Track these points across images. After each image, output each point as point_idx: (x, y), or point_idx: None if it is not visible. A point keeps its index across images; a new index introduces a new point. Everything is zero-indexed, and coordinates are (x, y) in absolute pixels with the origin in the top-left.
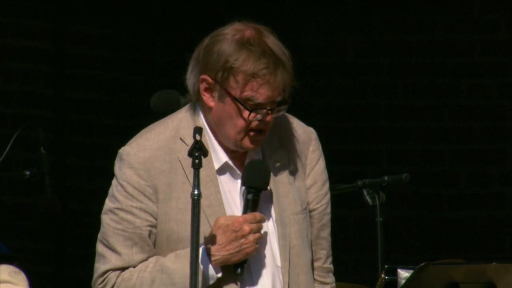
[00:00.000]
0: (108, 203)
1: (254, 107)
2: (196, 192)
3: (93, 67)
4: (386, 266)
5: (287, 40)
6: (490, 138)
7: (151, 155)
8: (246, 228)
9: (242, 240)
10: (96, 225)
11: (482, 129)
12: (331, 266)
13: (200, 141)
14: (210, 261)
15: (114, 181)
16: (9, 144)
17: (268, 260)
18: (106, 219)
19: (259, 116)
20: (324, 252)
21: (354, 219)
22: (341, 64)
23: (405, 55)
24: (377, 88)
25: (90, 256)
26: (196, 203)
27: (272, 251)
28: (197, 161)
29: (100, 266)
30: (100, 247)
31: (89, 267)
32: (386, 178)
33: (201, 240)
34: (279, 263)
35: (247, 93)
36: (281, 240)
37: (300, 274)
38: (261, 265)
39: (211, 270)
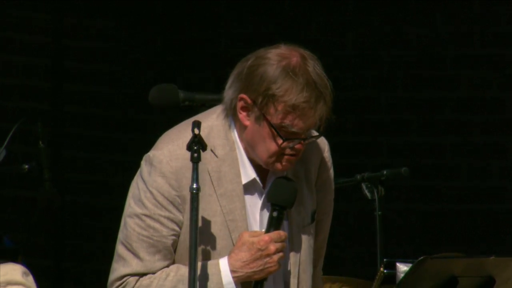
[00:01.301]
0: (134, 207)
1: (288, 136)
2: (194, 186)
3: (92, 60)
4: (384, 260)
5: (287, 37)
6: (491, 131)
7: (183, 165)
8: (272, 247)
9: (267, 259)
10: (94, 218)
11: (483, 122)
12: (321, 272)
13: (199, 134)
14: (232, 277)
15: (141, 185)
16: (8, 137)
17: (277, 276)
18: (131, 223)
19: (290, 144)
20: (321, 260)
21: (353, 213)
22: (340, 57)
23: (405, 48)
24: (377, 81)
25: (88, 249)
26: (194, 197)
27: (281, 267)
28: (195, 155)
29: (119, 268)
30: (121, 249)
31: (88, 261)
32: (385, 172)
33: (219, 249)
34: (287, 279)
35: (284, 122)
36: (292, 256)
37: None
38: (270, 281)
39: (232, 286)
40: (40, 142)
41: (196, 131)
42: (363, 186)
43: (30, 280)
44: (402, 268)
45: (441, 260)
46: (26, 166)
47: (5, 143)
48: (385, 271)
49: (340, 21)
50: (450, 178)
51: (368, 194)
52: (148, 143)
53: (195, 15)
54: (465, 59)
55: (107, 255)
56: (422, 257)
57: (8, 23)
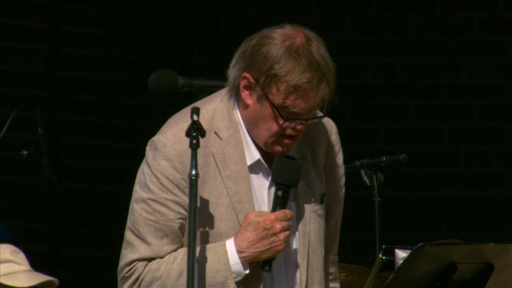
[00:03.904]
0: (140, 192)
1: (290, 116)
2: (193, 172)
3: (89, 46)
4: (383, 246)
5: (286, 19)
6: (489, 117)
7: (187, 148)
8: (278, 226)
9: (273, 238)
10: (92, 204)
11: (481, 107)
12: (337, 257)
13: (198, 121)
14: (239, 258)
15: (146, 170)
16: (7, 124)
17: (287, 258)
18: (137, 208)
19: (292, 125)
20: (335, 245)
21: (351, 199)
22: (340, 42)
23: (404, 33)
24: (376, 67)
25: (85, 236)
26: (193, 183)
27: (291, 248)
28: (194, 141)
29: (128, 254)
30: (129, 235)
31: (84, 247)
32: (384, 158)
33: (226, 231)
34: (297, 261)
35: (286, 102)
36: (301, 237)
37: (315, 271)
38: (280, 262)
39: (239, 266)
40: (39, 129)
41: (195, 117)
42: (362, 172)
43: (20, 257)
44: (401, 254)
45: (440, 247)
46: (25, 153)
47: (4, 130)
48: (384, 257)
49: (339, 7)
50: (448, 164)
51: (367, 181)
52: (147, 129)
53: (194, 1)
54: (464, 45)
55: (104, 242)
56: (420, 244)
57: (4, 10)
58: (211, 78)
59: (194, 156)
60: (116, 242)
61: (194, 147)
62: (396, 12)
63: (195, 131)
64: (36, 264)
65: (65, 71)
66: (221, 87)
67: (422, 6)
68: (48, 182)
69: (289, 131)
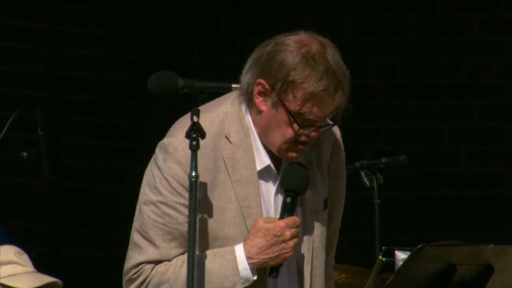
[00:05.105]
0: (150, 194)
1: (305, 123)
2: (193, 174)
3: (89, 46)
4: (383, 247)
5: (286, 23)
6: (489, 117)
7: (199, 152)
8: (288, 233)
9: (283, 245)
10: (92, 204)
11: (481, 107)
12: (334, 260)
13: (198, 122)
14: (248, 264)
15: (156, 172)
16: (6, 125)
17: (290, 263)
18: (146, 210)
19: (307, 131)
20: (333, 248)
21: (351, 200)
22: (340, 42)
23: (404, 33)
24: (376, 67)
25: (85, 236)
26: (193, 184)
27: (295, 254)
28: (194, 142)
29: (135, 256)
30: (137, 237)
31: (84, 246)
32: (383, 160)
33: (233, 236)
34: (300, 265)
35: (302, 109)
36: (306, 243)
37: (317, 275)
38: (284, 268)
39: (248, 272)
40: (39, 130)
41: (195, 118)
42: (362, 174)
43: (24, 258)
44: (401, 256)
45: (440, 248)
46: (25, 154)
47: (4, 131)
48: (383, 259)
49: (339, 7)
50: (448, 164)
51: (367, 182)
52: (147, 129)
53: (194, 1)
54: (464, 45)
55: (104, 242)
56: (420, 245)
57: (4, 10)
58: (211, 79)
59: (194, 158)
60: (116, 242)
61: (194, 148)
62: (396, 12)
63: (195, 133)
64: (36, 264)
65: (65, 71)
66: (221, 88)
67: (422, 6)
68: (48, 183)
69: (303, 138)
